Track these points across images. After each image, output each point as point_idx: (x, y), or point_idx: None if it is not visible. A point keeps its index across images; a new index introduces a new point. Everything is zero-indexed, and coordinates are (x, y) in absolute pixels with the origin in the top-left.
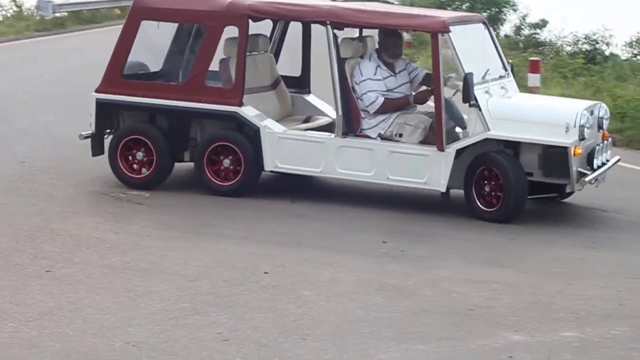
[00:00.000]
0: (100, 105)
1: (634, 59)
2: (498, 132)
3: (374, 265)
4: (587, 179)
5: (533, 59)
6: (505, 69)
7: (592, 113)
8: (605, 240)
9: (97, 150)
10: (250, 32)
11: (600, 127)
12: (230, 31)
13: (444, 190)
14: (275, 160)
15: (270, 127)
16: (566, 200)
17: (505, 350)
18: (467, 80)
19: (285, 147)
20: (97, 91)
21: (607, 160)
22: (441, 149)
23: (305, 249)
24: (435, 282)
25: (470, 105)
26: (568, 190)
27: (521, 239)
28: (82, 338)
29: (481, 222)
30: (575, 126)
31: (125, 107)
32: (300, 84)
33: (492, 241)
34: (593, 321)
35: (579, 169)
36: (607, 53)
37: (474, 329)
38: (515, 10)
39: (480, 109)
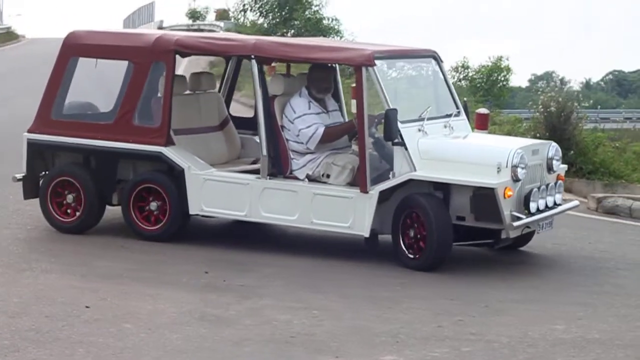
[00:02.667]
0: (31, 145)
1: (459, 83)
2: (425, 172)
3: (195, 295)
4: (516, 223)
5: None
6: (457, 107)
7: (536, 153)
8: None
9: (29, 193)
10: (196, 70)
11: (550, 168)
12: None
13: (367, 235)
14: (200, 203)
15: (194, 168)
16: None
17: None
18: (389, 117)
19: (210, 190)
20: (29, 131)
21: (556, 204)
22: (364, 191)
23: (127, 282)
24: (256, 311)
25: (393, 144)
26: (504, 235)
27: (339, 264)
28: None
29: (304, 249)
30: (507, 166)
31: (56, 148)
32: (254, 125)
33: (312, 267)
34: (412, 344)
35: (514, 213)
36: None
37: (294, 356)
38: (341, 37)
39: (406, 148)
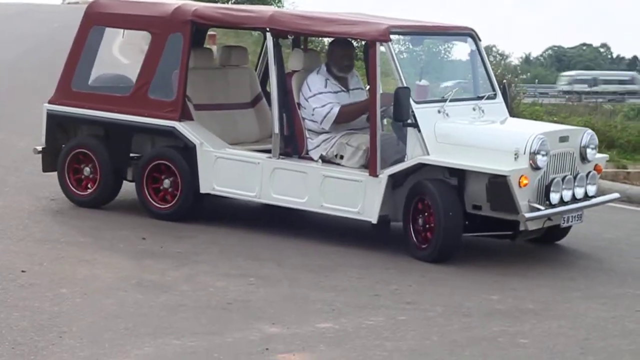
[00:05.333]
0: (50, 117)
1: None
2: (438, 157)
3: (132, 261)
4: (528, 215)
5: None
6: (493, 89)
7: (566, 140)
8: (360, 233)
9: (47, 165)
10: (230, 44)
11: (583, 157)
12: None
13: (374, 221)
14: (212, 182)
15: (207, 145)
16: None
17: (261, 343)
18: (398, 96)
19: (222, 168)
20: (49, 102)
21: (589, 196)
22: (374, 174)
23: (64, 246)
24: (193, 277)
25: (404, 125)
26: (521, 227)
27: (275, 232)
28: None
29: (242, 217)
30: (525, 153)
31: (74, 120)
32: None
33: (248, 235)
34: (348, 312)
35: (533, 204)
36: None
37: (230, 323)
38: (281, 6)
39: (419, 130)
